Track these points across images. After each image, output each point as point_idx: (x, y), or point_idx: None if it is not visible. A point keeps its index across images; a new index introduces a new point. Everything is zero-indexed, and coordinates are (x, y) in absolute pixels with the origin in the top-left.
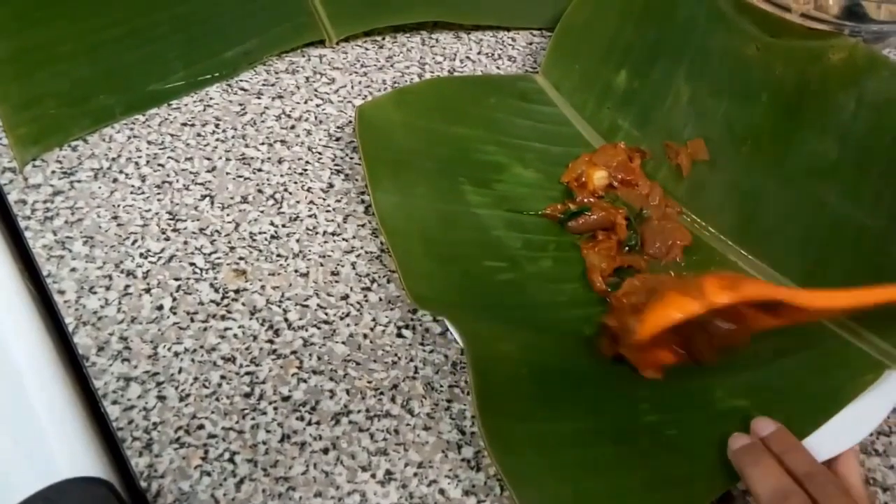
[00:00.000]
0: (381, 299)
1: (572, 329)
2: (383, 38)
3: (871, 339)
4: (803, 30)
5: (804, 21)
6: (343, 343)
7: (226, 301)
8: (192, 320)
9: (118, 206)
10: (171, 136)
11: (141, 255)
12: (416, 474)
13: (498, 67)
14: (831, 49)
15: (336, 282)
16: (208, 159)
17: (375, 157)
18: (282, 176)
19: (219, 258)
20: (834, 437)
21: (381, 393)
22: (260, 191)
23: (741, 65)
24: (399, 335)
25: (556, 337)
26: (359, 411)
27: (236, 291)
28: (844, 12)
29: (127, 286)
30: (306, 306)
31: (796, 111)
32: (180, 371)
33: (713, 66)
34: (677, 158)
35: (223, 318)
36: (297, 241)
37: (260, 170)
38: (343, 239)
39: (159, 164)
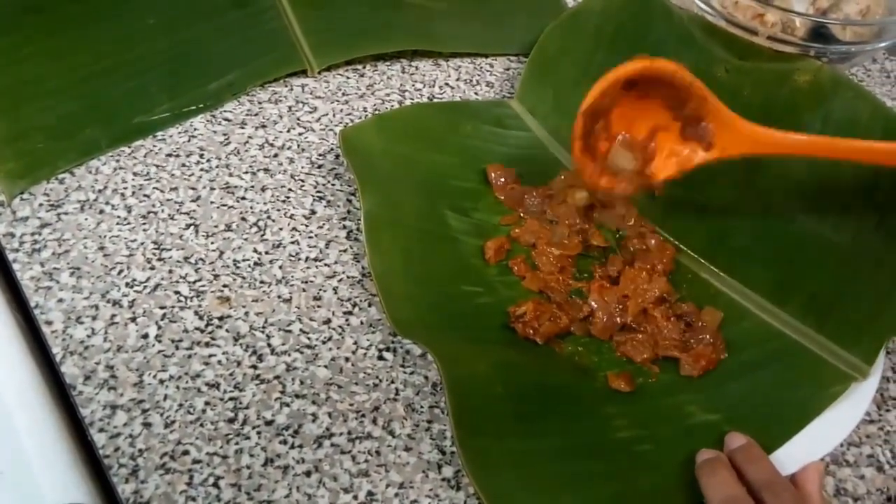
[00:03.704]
0: (362, 323)
1: (547, 348)
2: (364, 67)
3: (839, 352)
4: (770, 52)
5: (771, 43)
6: (325, 367)
7: (210, 328)
8: (177, 348)
9: (104, 236)
10: (157, 167)
11: (127, 284)
12: (397, 495)
13: (476, 93)
14: (797, 72)
15: (318, 307)
16: (193, 189)
17: (362, 175)
18: (265, 204)
19: (203, 286)
20: (805, 449)
21: (363, 415)
22: (244, 219)
23: (711, 87)
24: (380, 358)
25: (531, 356)
26: (341, 434)
27: (220, 318)
28: (810, 34)
29: (113, 315)
30: (289, 331)
31: None
32: (165, 398)
33: None
34: None
35: (207, 344)
36: (280, 267)
37: (243, 198)
38: (325, 264)
39: (145, 195)
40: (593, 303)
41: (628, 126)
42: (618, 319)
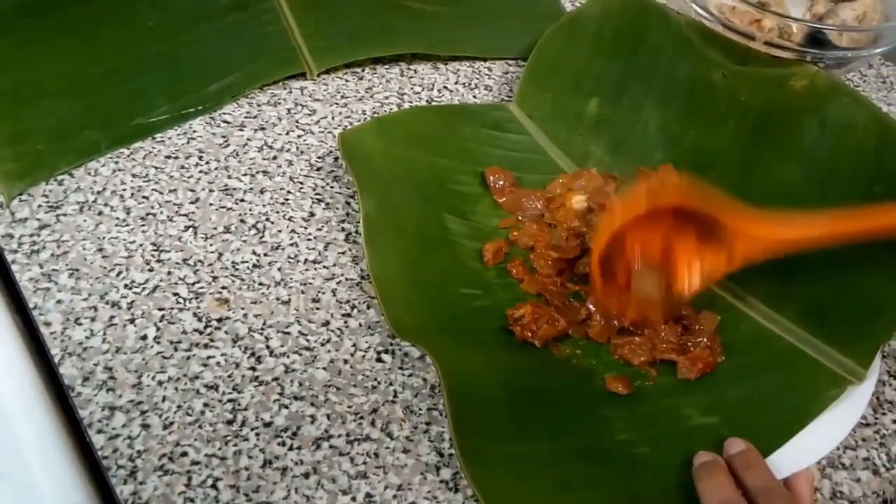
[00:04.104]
0: (360, 325)
1: (545, 351)
2: (363, 70)
3: (835, 356)
4: (768, 57)
5: (768, 49)
6: (324, 369)
7: (209, 330)
8: (176, 349)
9: (103, 238)
10: (156, 168)
11: (125, 286)
12: (395, 497)
13: (474, 97)
14: (794, 77)
15: (317, 309)
16: (192, 191)
17: (361, 178)
18: (264, 206)
19: (202, 288)
20: (801, 452)
21: (361, 417)
22: (242, 221)
23: (708, 92)
24: (379, 360)
25: (529, 359)
26: (339, 436)
27: (219, 320)
28: (807, 40)
29: (112, 317)
30: (288, 333)
31: (762, 136)
32: (164, 399)
33: (681, 93)
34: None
35: (206, 346)
36: (279, 269)
37: (242, 200)
38: (324, 266)
39: (144, 197)
40: (591, 305)
41: (643, 242)
42: (615, 322)
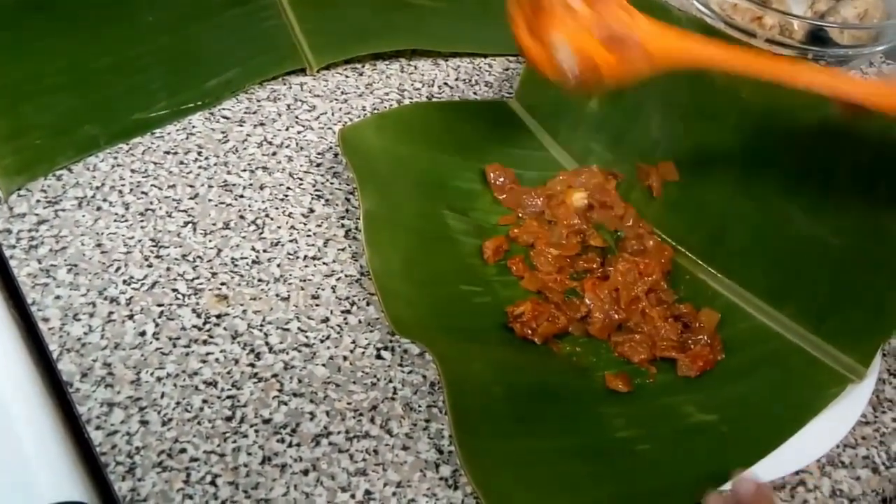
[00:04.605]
0: (360, 322)
1: (545, 348)
2: (363, 66)
3: (835, 354)
4: (769, 55)
5: (769, 46)
6: (323, 365)
7: (208, 326)
8: (175, 345)
9: (102, 233)
10: (155, 164)
11: (124, 281)
12: (394, 494)
13: (475, 93)
14: None
15: (316, 305)
16: (191, 186)
17: (361, 174)
18: (263, 202)
19: (201, 284)
20: (801, 450)
21: (361, 414)
22: (242, 217)
23: (709, 89)
24: (378, 357)
25: (529, 356)
26: (338, 432)
27: (218, 316)
28: (809, 37)
29: (110, 313)
30: (287, 330)
31: (762, 133)
32: (163, 396)
33: (682, 90)
34: (648, 180)
35: (205, 342)
36: (278, 265)
37: (242, 196)
38: (323, 263)
39: (142, 192)
40: (588, 300)
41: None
42: (615, 316)
